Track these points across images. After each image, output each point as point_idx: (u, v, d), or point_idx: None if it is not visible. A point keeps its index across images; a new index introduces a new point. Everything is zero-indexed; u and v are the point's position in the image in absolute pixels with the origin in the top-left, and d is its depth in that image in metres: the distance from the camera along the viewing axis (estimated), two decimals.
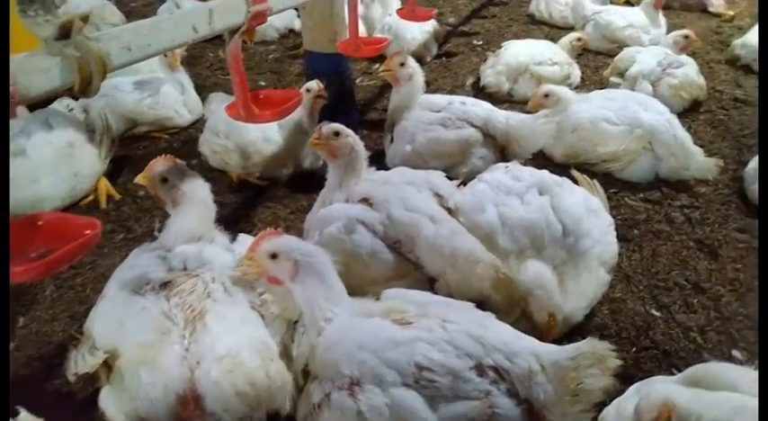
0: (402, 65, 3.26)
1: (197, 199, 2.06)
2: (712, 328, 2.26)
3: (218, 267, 1.90)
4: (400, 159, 3.27)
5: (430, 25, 5.26)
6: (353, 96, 4.13)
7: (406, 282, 2.24)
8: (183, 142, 3.87)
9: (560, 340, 2.15)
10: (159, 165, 2.05)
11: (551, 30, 6.07)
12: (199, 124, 3.85)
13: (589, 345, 1.59)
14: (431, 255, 2.18)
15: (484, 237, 2.28)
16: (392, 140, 3.38)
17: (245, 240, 2.10)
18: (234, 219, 3.04)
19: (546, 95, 3.45)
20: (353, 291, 2.06)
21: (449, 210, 2.39)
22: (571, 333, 2.21)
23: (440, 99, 3.40)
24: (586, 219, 2.28)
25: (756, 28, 4.83)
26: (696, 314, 2.34)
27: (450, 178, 2.71)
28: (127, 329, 1.67)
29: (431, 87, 4.72)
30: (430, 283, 2.24)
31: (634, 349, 2.18)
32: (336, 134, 2.37)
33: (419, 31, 5.17)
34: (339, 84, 3.78)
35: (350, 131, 2.41)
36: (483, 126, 3.23)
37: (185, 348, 1.63)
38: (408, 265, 2.25)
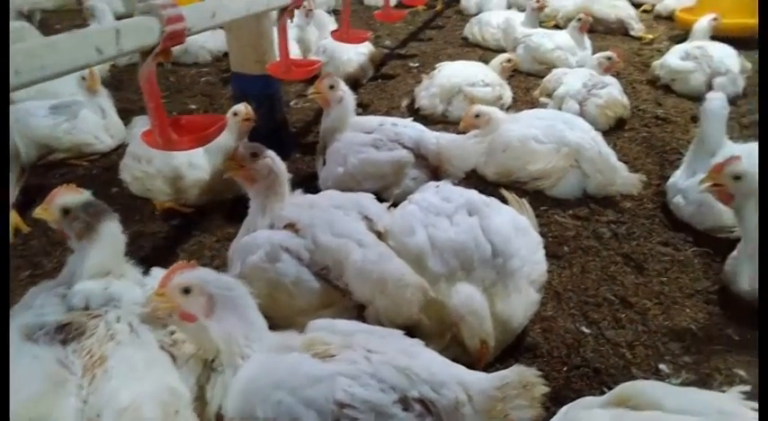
0: (332, 88, 3.22)
1: (104, 231, 1.91)
2: (640, 343, 2.28)
3: (125, 305, 1.75)
4: (333, 181, 3.20)
5: (365, 47, 5.28)
6: (286, 119, 4.05)
7: (335, 311, 2.16)
8: (104, 169, 3.66)
9: (492, 363, 2.12)
10: (60, 195, 1.90)
11: (485, 52, 6.23)
12: (121, 150, 3.66)
13: (515, 373, 1.56)
14: (359, 281, 2.11)
15: (413, 260, 2.23)
16: (324, 163, 3.31)
17: (158, 274, 1.96)
18: (156, 250, 2.87)
19: (477, 116, 3.49)
20: (280, 322, 1.97)
21: (378, 234, 2.33)
22: (503, 355, 2.18)
23: (372, 121, 3.37)
24: (515, 238, 2.27)
25: (673, 50, 5.10)
26: (624, 329, 2.36)
27: (383, 200, 2.68)
28: (16, 382, 1.50)
29: (367, 109, 4.72)
30: (359, 311, 2.17)
31: (565, 368, 2.16)
32: (254, 155, 2.28)
33: (354, 53, 5.17)
34: (270, 106, 3.70)
35: (270, 152, 2.33)
36: (415, 147, 3.21)
37: (83, 400, 1.48)
38: (336, 293, 2.17)
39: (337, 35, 3.79)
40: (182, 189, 3.11)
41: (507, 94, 4.62)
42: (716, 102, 3.01)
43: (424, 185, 2.64)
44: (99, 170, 3.67)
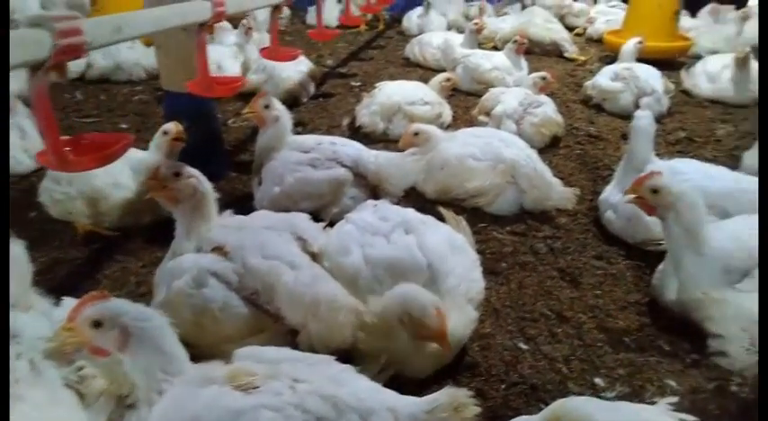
0: (267, 107, 3.15)
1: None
2: (576, 357, 2.29)
3: (27, 340, 1.60)
4: (269, 201, 3.12)
5: (305, 65, 5.25)
6: (221, 138, 3.94)
7: (266, 337, 2.07)
8: (23, 192, 3.42)
9: (430, 385, 2.07)
10: None
11: (425, 72, 6.32)
12: (42, 172, 3.43)
13: (446, 396, 1.52)
14: (291, 305, 2.03)
15: (349, 281, 2.18)
16: (260, 182, 3.22)
17: (69, 305, 1.82)
18: (76, 277, 2.69)
19: (416, 134, 3.49)
20: (206, 351, 1.86)
21: (313, 255, 2.27)
22: (442, 375, 2.14)
23: (309, 139, 3.32)
24: (451, 256, 2.25)
25: (603, 71, 5.32)
26: (561, 344, 2.37)
27: (321, 220, 2.62)
28: None
29: (307, 128, 4.66)
30: (292, 336, 2.08)
31: (503, 386, 2.14)
32: (176, 174, 2.17)
33: (294, 71, 5.13)
34: (204, 125, 3.58)
35: (193, 171, 2.22)
36: (353, 165, 3.17)
37: None
38: (267, 318, 2.07)
39: (266, 53, 3.73)
40: (104, 210, 2.94)
41: (447, 113, 4.67)
42: (643, 120, 3.13)
43: (362, 204, 2.61)
44: (17, 193, 3.43)
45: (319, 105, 5.25)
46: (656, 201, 2.35)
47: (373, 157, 3.21)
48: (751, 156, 3.75)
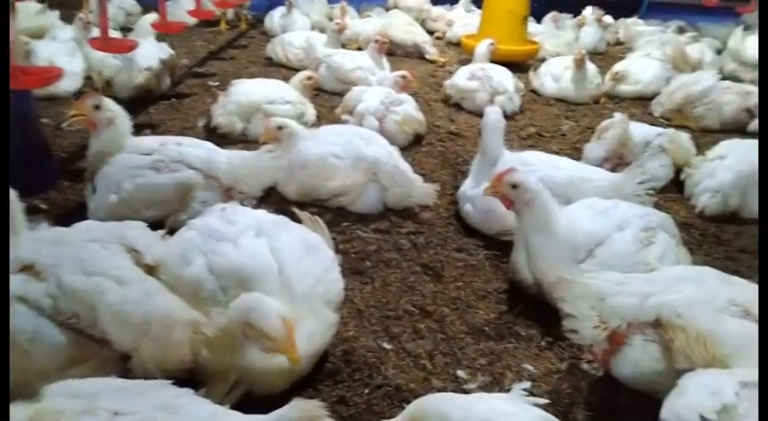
0: (97, 108, 2.79)
1: None
2: (439, 351, 2.27)
3: None
4: (105, 211, 2.77)
5: (159, 54, 4.84)
6: (46, 142, 3.45)
7: (92, 367, 1.78)
8: None
9: (288, 398, 1.90)
10: None
11: (289, 72, 6.11)
12: None
13: (295, 409, 1.39)
14: (118, 326, 1.76)
15: (191, 293, 1.96)
16: (95, 191, 2.85)
17: None
18: None
19: (280, 128, 3.30)
20: (15, 390, 1.53)
21: (148, 268, 2.01)
22: (301, 386, 1.99)
23: (150, 141, 3.01)
24: (306, 257, 2.12)
25: (460, 71, 5.52)
26: (424, 339, 2.34)
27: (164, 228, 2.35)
28: None
29: (157, 130, 4.27)
30: (125, 362, 1.81)
31: (367, 390, 2.05)
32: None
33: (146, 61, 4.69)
34: (23, 128, 3.10)
35: None
36: (203, 167, 2.92)
37: None
38: (91, 345, 1.78)
39: (96, 43, 3.34)
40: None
41: (310, 112, 4.54)
42: (492, 116, 3.23)
43: (209, 209, 2.38)
44: None
45: (172, 106, 4.85)
46: (515, 196, 2.41)
47: (226, 158, 2.98)
48: (590, 149, 4.09)
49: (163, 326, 1.72)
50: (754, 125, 4.86)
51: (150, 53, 4.82)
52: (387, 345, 2.28)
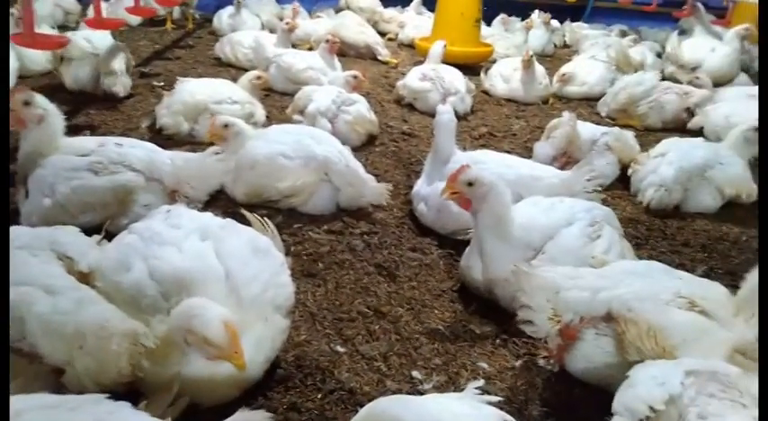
0: (27, 104, 2.62)
1: None
2: (394, 352, 2.23)
3: None
4: (39, 217, 2.61)
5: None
6: None
7: (20, 385, 1.63)
8: None
9: (236, 405, 1.81)
10: None
11: (238, 72, 5.97)
12: None
13: (241, 419, 1.31)
14: (49, 339, 1.64)
15: (129, 301, 1.85)
16: (27, 195, 2.67)
17: None
18: None
19: (225, 126, 3.18)
20: None
21: (82, 275, 1.88)
22: (251, 394, 1.91)
23: (88, 141, 2.87)
24: (254, 261, 2.03)
25: (412, 72, 5.52)
26: (379, 341, 2.29)
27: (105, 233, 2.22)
28: None
29: (98, 131, 4.08)
30: (58, 377, 1.68)
31: (320, 395, 1.98)
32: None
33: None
34: None
35: None
36: (145, 169, 2.79)
37: None
38: (20, 361, 1.65)
39: (19, 39, 3.15)
40: None
41: (260, 113, 4.43)
42: (444, 115, 3.22)
43: (152, 212, 2.27)
44: None
45: (113, 106, 4.64)
46: (472, 193, 2.39)
47: (169, 159, 2.86)
48: (540, 147, 4.15)
49: (98, 338, 1.61)
50: (693, 123, 5.07)
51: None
52: (340, 348, 2.22)
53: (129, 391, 1.70)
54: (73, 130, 3.28)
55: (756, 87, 5.69)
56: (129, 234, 2.07)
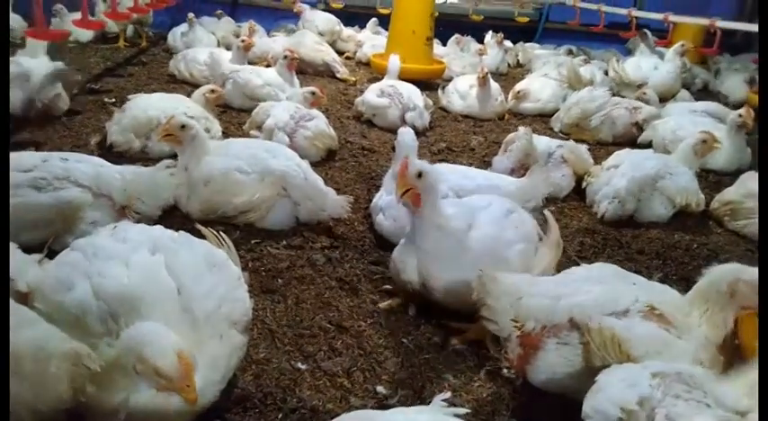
0: None
1: None
2: (357, 368, 2.17)
3: None
4: None
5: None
6: None
7: None
8: None
9: None
10: None
11: (194, 89, 5.84)
12: None
13: None
14: None
15: (73, 323, 1.72)
16: None
17: None
18: None
19: (183, 126, 3.00)
20: None
21: (20, 295, 1.75)
22: (206, 415, 1.80)
23: (30, 156, 2.72)
24: (208, 275, 1.94)
25: (370, 88, 5.54)
26: (341, 357, 2.22)
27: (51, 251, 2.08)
28: None
29: (44, 148, 3.89)
30: None
31: (280, 415, 1.90)
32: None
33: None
34: None
35: None
36: (92, 184, 2.67)
37: None
38: None
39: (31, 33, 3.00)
40: None
41: (216, 128, 4.31)
42: (405, 135, 3.18)
43: (98, 229, 2.15)
44: None
45: (61, 123, 4.45)
46: (422, 185, 2.36)
47: (118, 173, 2.74)
48: (498, 161, 4.21)
49: (35, 361, 1.48)
50: (643, 137, 5.26)
51: (41, 68, 4.39)
52: (301, 366, 2.14)
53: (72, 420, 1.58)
54: (16, 148, 3.12)
55: (698, 103, 6.02)
56: (71, 251, 1.95)
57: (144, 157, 3.89)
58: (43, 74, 4.30)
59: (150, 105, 3.96)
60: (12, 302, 1.67)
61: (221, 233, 2.20)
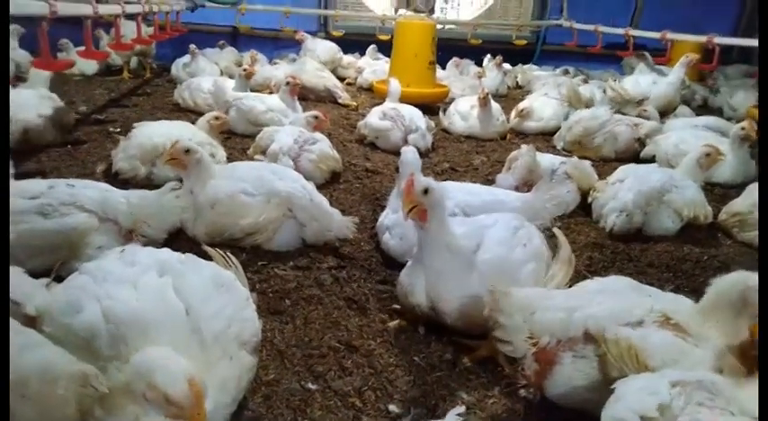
0: None
1: None
2: (368, 387, 2.13)
3: None
4: None
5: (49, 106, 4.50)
6: None
7: None
8: None
9: None
10: None
11: (198, 117, 5.90)
12: None
13: None
14: None
15: (82, 346, 1.70)
16: None
17: None
18: None
19: (187, 151, 3.02)
20: None
21: (29, 319, 1.74)
22: None
23: (37, 184, 2.74)
24: (217, 296, 1.92)
25: (373, 111, 5.59)
26: (352, 376, 2.18)
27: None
28: None
29: (51, 177, 3.89)
30: None
31: None
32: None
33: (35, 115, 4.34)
34: None
35: None
36: (98, 209, 2.67)
37: None
38: None
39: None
40: None
41: (220, 154, 4.35)
42: (408, 154, 3.18)
43: (106, 252, 2.14)
44: None
45: (67, 153, 4.50)
46: (429, 202, 2.35)
47: (123, 198, 2.74)
48: (502, 179, 4.21)
49: (42, 382, 1.46)
50: (645, 152, 5.27)
51: (29, 104, 4.42)
52: (311, 386, 2.10)
53: None
54: (23, 177, 3.15)
55: (699, 118, 6.05)
56: (80, 274, 1.93)
57: (149, 184, 3.90)
58: (33, 105, 4.37)
59: (155, 132, 4.00)
60: (18, 325, 1.66)
61: (228, 254, 2.19)
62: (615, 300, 2.04)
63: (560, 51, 10.61)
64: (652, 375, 1.65)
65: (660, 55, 8.04)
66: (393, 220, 3.03)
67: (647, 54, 8.04)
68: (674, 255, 3.52)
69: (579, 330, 1.95)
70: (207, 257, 2.14)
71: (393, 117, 5.35)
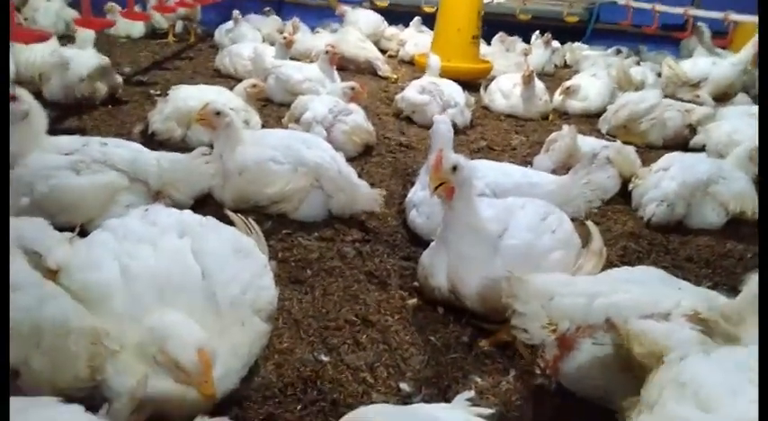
0: (13, 99, 2.54)
1: None
2: (381, 363, 2.11)
3: None
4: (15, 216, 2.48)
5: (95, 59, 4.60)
6: None
7: None
8: None
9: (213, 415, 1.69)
10: None
11: (238, 83, 5.92)
12: None
13: None
14: None
15: (99, 302, 1.72)
16: None
17: None
18: None
19: (218, 113, 3.00)
20: None
21: (50, 272, 1.77)
22: (226, 401, 1.78)
23: (71, 140, 2.78)
24: (234, 260, 1.92)
25: (411, 85, 5.48)
26: (365, 351, 2.16)
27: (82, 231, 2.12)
28: None
29: (90, 134, 3.99)
30: (15, 378, 1.56)
31: (299, 406, 1.86)
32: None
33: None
34: None
35: None
36: (129, 169, 2.70)
37: None
38: None
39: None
40: None
41: (255, 120, 4.34)
42: (441, 124, 3.13)
43: (130, 211, 2.16)
44: None
45: (108, 112, 4.58)
46: (457, 179, 2.28)
47: (155, 159, 2.76)
48: (540, 160, 4.08)
49: (55, 336, 1.49)
50: (695, 140, 4.99)
51: (86, 61, 4.56)
52: (324, 358, 2.10)
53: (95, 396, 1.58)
54: (63, 134, 3.21)
55: (757, 108, 5.67)
56: (102, 231, 1.96)
57: (184, 147, 3.94)
58: (83, 64, 4.47)
59: (191, 96, 4.01)
60: (38, 276, 1.69)
61: (250, 220, 2.18)
62: (641, 290, 1.95)
63: (613, 30, 10.14)
64: None
65: (721, 37, 7.58)
66: (421, 198, 2.96)
67: (705, 29, 7.50)
68: (716, 251, 3.35)
69: (600, 317, 1.87)
70: (230, 223, 2.15)
71: (432, 91, 5.23)
